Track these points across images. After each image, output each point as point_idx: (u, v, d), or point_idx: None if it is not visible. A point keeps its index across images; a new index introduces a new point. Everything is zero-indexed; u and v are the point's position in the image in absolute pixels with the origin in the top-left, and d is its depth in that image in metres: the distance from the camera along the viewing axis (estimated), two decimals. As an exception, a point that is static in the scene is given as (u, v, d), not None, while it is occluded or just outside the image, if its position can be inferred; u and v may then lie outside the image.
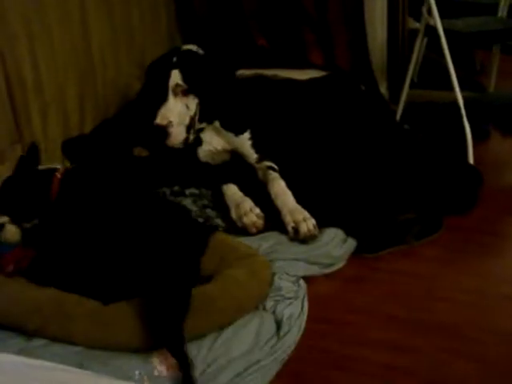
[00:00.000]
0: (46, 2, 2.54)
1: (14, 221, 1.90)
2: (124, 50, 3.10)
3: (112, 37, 3.00)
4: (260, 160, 2.54)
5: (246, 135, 2.59)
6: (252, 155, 2.57)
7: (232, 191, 2.38)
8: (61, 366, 1.07)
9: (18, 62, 2.41)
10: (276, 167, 2.48)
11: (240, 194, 2.36)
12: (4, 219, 1.87)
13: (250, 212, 2.26)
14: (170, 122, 2.40)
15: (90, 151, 2.71)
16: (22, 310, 1.77)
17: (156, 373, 1.67)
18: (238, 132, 2.59)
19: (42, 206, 1.82)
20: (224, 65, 2.65)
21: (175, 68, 2.45)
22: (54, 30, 2.60)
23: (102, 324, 1.73)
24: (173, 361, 1.64)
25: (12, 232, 1.88)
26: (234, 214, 2.30)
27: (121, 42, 3.08)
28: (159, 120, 2.40)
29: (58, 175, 1.90)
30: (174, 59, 2.48)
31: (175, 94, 2.43)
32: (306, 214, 2.22)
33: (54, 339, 1.73)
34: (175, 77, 2.44)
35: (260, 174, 2.50)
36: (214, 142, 2.61)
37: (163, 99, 2.43)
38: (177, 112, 2.43)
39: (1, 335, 1.75)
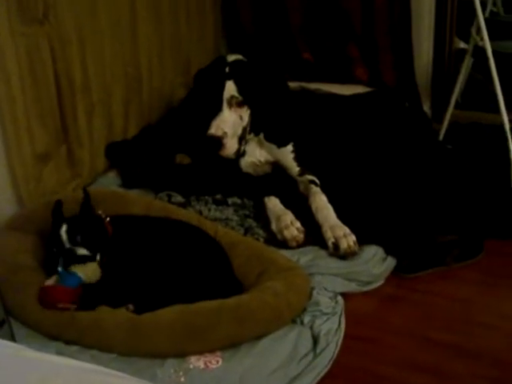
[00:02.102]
0: (98, 9, 2.59)
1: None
2: (170, 58, 3.13)
3: (159, 45, 3.04)
4: (302, 173, 2.54)
5: (289, 148, 2.59)
6: (294, 168, 2.57)
7: (273, 203, 2.37)
8: (113, 372, 1.08)
9: (68, 63, 2.45)
10: (317, 181, 2.48)
11: (281, 206, 2.36)
12: (84, 251, 1.84)
13: (290, 225, 2.26)
14: (225, 132, 2.42)
15: (133, 156, 2.74)
16: (57, 322, 1.78)
17: (191, 366, 1.69)
18: (281, 144, 2.59)
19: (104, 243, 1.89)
20: (277, 76, 2.66)
21: (229, 79, 2.45)
22: (105, 36, 2.65)
23: (138, 334, 1.75)
24: (211, 358, 1.67)
25: (96, 270, 1.86)
26: (274, 227, 2.30)
27: (167, 50, 3.10)
28: (214, 131, 2.41)
29: (108, 219, 1.97)
30: (227, 69, 2.49)
31: (230, 106, 2.45)
32: (347, 230, 2.21)
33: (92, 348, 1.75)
34: (230, 88, 2.44)
35: (301, 187, 2.50)
36: (256, 153, 2.61)
37: (216, 110, 2.44)
38: (231, 123, 2.44)
39: (39, 341, 1.77)
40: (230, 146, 2.45)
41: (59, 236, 1.84)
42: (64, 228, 1.84)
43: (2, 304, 1.72)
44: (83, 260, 1.82)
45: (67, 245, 1.83)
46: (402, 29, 3.26)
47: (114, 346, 1.74)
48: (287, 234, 2.24)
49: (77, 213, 1.91)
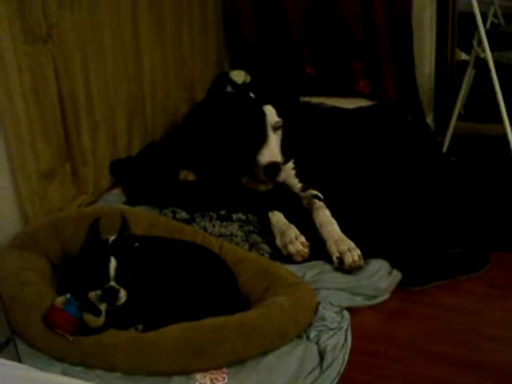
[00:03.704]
0: (101, 27, 2.60)
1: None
2: (173, 74, 3.15)
3: (162, 61, 3.05)
4: (304, 189, 2.54)
5: (290, 165, 2.60)
6: (296, 184, 2.57)
7: (277, 218, 2.37)
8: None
9: (71, 81, 2.46)
10: (321, 196, 2.48)
11: (285, 221, 2.36)
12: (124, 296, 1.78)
13: (295, 240, 2.25)
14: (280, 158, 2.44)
15: (137, 173, 2.74)
16: (60, 345, 1.76)
17: (197, 383, 1.68)
18: (283, 162, 2.58)
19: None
20: (296, 96, 2.71)
21: (266, 103, 2.46)
22: (108, 53, 2.67)
23: (143, 352, 1.73)
24: (217, 375, 1.66)
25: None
26: (279, 242, 2.29)
27: (171, 66, 3.12)
28: (274, 158, 2.42)
29: None
30: (252, 95, 2.51)
31: (274, 130, 2.46)
32: (352, 244, 2.21)
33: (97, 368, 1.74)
34: (272, 113, 2.46)
35: (305, 202, 2.50)
36: None
37: (258, 135, 2.44)
38: (278, 147, 2.47)
39: (44, 360, 1.76)
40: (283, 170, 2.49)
41: (106, 270, 1.75)
42: (113, 263, 1.75)
43: (6, 322, 1.72)
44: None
45: (113, 283, 1.75)
46: (404, 41, 3.28)
47: (118, 366, 1.72)
48: (292, 248, 2.24)
49: (116, 236, 1.85)
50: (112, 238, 1.85)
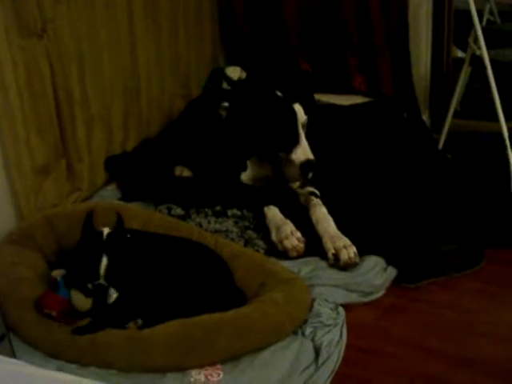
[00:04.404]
0: (97, 22, 2.60)
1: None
2: (169, 69, 3.14)
3: (158, 57, 3.04)
4: (303, 185, 2.53)
5: None
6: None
7: (273, 213, 2.37)
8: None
9: (66, 77, 2.45)
10: (318, 193, 2.49)
11: (281, 216, 2.36)
12: (115, 295, 1.80)
13: (290, 235, 2.25)
14: None
15: (133, 169, 2.73)
16: (56, 341, 1.76)
17: (192, 380, 1.69)
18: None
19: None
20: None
21: (293, 102, 2.46)
22: (104, 49, 2.66)
23: (137, 349, 1.73)
24: (211, 371, 1.67)
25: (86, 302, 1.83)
26: (274, 237, 2.29)
27: (166, 62, 3.11)
28: (310, 156, 2.40)
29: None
30: (279, 93, 2.51)
31: (303, 128, 2.45)
32: (347, 241, 2.21)
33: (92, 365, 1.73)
34: (301, 112, 2.45)
35: (302, 199, 2.50)
36: (258, 168, 2.60)
37: (289, 134, 2.42)
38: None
39: (39, 356, 1.76)
40: None
41: (97, 268, 1.77)
42: (105, 262, 1.76)
43: (2, 318, 1.71)
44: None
45: (102, 281, 1.77)
46: (400, 38, 3.28)
47: (113, 363, 1.72)
48: (287, 243, 2.24)
49: (110, 230, 1.85)
50: (106, 230, 1.85)
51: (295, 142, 2.41)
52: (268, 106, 2.49)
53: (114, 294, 1.78)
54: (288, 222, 2.32)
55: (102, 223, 1.89)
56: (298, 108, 2.45)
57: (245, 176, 2.60)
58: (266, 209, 2.40)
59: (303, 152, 2.40)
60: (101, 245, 1.80)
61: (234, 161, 2.58)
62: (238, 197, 2.53)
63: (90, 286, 1.78)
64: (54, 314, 1.76)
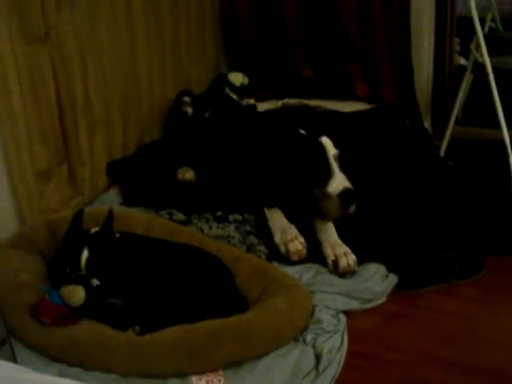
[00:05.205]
0: (99, 27, 2.61)
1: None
2: (171, 74, 3.15)
3: (160, 62, 3.05)
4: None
5: None
6: None
7: (278, 216, 2.37)
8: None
9: (69, 81, 2.46)
10: None
11: (285, 220, 2.36)
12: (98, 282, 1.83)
13: (295, 239, 2.26)
14: None
15: (135, 174, 2.74)
16: (58, 344, 1.77)
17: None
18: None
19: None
20: None
21: (321, 136, 2.40)
22: (106, 53, 2.67)
23: (139, 355, 1.74)
24: (212, 377, 1.67)
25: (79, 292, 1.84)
26: (278, 239, 2.29)
27: (168, 68, 3.12)
28: (348, 184, 2.30)
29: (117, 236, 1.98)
30: (303, 132, 2.44)
31: (335, 161, 2.37)
32: (347, 249, 2.23)
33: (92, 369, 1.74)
34: (330, 144, 2.38)
35: None
36: None
37: (323, 170, 2.33)
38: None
39: (41, 362, 1.76)
40: None
41: (78, 260, 1.82)
42: (85, 254, 1.82)
43: (3, 323, 1.72)
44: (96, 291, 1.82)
45: (84, 271, 1.81)
46: (402, 45, 3.29)
47: (114, 367, 1.72)
48: (292, 247, 2.24)
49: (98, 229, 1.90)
50: (94, 229, 1.89)
51: (328, 174, 2.32)
52: (294, 145, 2.41)
53: (96, 282, 1.82)
54: (292, 226, 2.33)
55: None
56: (325, 141, 2.38)
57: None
58: (270, 211, 2.39)
59: (339, 183, 2.30)
60: (84, 240, 1.84)
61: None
62: (240, 199, 2.50)
63: (72, 277, 1.82)
64: (47, 321, 1.78)
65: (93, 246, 1.84)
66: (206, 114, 2.91)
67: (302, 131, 2.45)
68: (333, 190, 2.29)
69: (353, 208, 2.31)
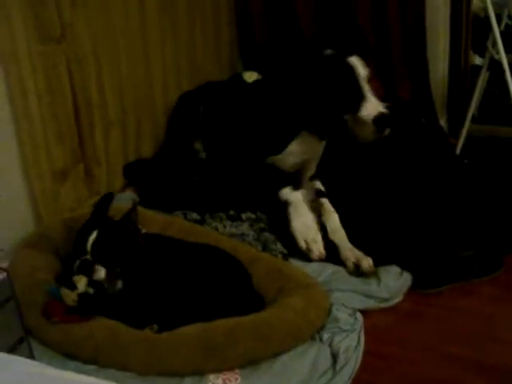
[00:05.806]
0: (114, 27, 2.60)
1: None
2: (186, 75, 3.14)
3: (175, 63, 3.04)
4: (313, 177, 2.50)
5: (324, 142, 2.48)
6: (314, 168, 2.51)
7: (305, 208, 2.31)
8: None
9: (85, 81, 2.46)
10: (324, 190, 2.47)
11: (310, 215, 2.30)
12: (102, 273, 1.82)
13: (320, 241, 2.24)
14: None
15: (151, 175, 2.74)
16: (74, 340, 1.78)
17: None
18: (322, 137, 2.41)
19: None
20: None
21: (351, 55, 2.21)
22: (121, 54, 2.67)
23: (156, 352, 1.74)
24: (229, 375, 1.67)
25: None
26: (300, 235, 2.25)
27: (183, 68, 3.12)
28: (382, 108, 2.16)
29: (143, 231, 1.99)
30: (328, 52, 2.26)
31: (367, 82, 2.21)
32: (362, 253, 2.23)
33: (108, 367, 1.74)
34: (359, 64, 2.20)
35: (309, 196, 2.44)
36: (304, 147, 2.44)
37: (353, 92, 2.18)
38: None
39: (57, 359, 1.77)
40: None
41: (86, 242, 1.82)
42: (93, 235, 1.82)
43: (20, 321, 1.73)
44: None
45: (89, 256, 1.82)
46: (417, 43, 3.27)
47: (131, 365, 1.73)
48: (315, 248, 2.22)
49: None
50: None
51: (360, 98, 2.16)
52: (317, 67, 2.23)
53: (100, 272, 1.80)
54: (314, 219, 2.28)
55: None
56: (354, 61, 2.20)
57: (280, 159, 2.42)
58: (293, 196, 2.29)
59: (373, 106, 2.15)
60: (100, 224, 1.84)
61: (278, 138, 2.32)
62: (265, 183, 2.38)
63: (77, 262, 1.82)
64: (56, 320, 1.80)
65: (104, 230, 1.83)
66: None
67: (329, 51, 2.27)
68: (366, 115, 2.15)
69: (387, 131, 2.18)
